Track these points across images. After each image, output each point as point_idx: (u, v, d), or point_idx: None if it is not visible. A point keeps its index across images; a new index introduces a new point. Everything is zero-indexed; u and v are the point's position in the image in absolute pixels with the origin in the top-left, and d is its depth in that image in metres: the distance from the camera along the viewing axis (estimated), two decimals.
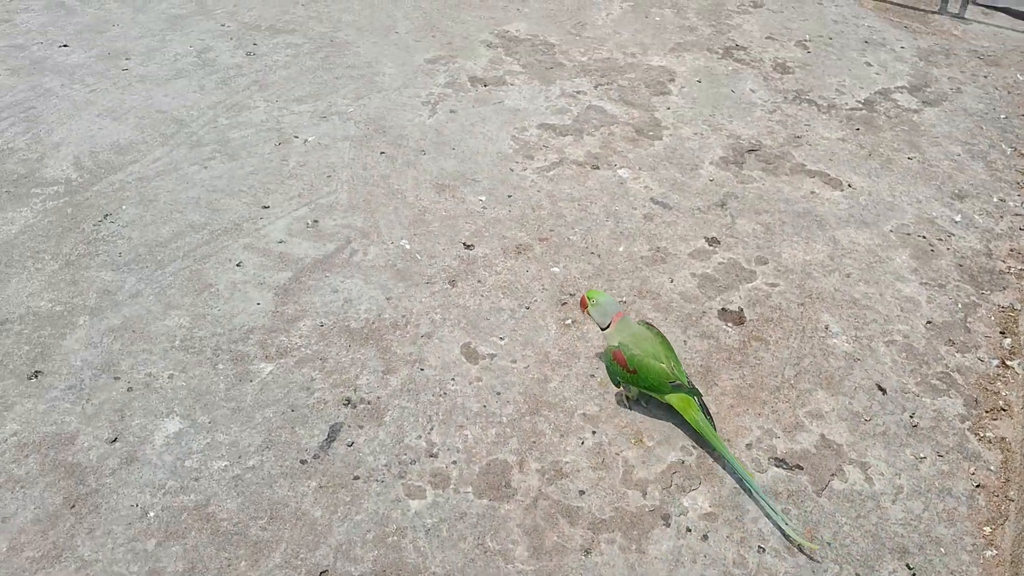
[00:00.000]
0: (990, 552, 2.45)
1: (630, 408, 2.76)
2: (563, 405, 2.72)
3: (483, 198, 3.54)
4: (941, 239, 3.64)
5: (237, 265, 3.09)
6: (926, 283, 3.39)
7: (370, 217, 3.37)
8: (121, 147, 3.60)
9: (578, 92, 4.31)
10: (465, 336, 2.92)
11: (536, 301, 3.10)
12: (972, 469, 2.69)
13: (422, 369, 2.78)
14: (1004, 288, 3.43)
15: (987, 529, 2.52)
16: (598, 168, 3.79)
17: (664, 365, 2.62)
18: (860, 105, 4.53)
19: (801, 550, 2.42)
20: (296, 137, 3.75)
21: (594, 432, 2.65)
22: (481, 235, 3.35)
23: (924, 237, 3.64)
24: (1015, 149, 4.33)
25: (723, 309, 3.16)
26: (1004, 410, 2.91)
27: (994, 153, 4.28)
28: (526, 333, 2.96)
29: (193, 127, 3.73)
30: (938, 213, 3.80)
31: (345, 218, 3.35)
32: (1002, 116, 4.62)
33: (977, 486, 2.64)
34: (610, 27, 4.95)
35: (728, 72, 4.65)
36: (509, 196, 3.57)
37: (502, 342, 2.92)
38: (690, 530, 2.42)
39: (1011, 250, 3.64)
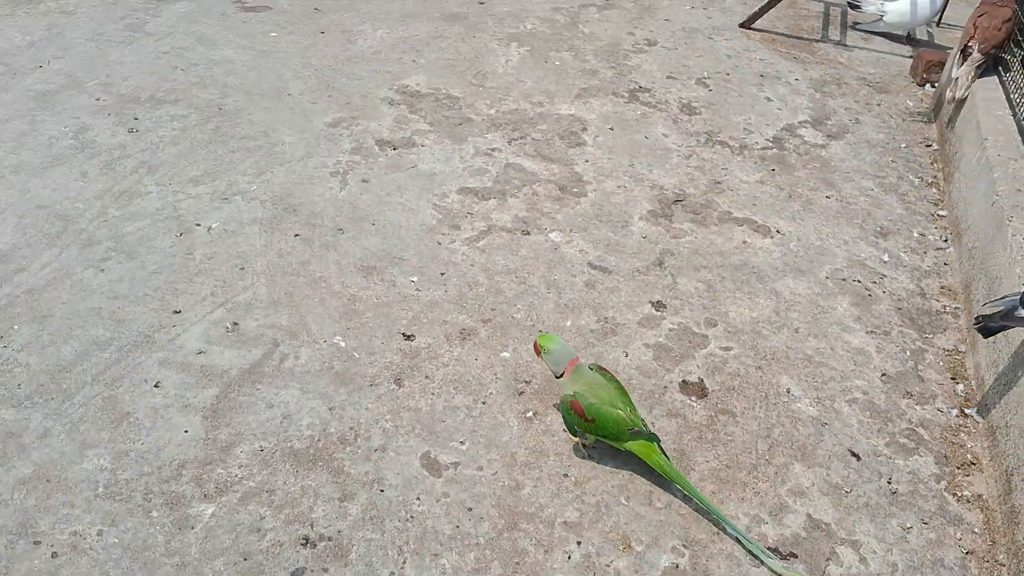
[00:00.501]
0: None
1: (587, 457, 2.67)
2: (541, 515, 2.50)
3: (415, 279, 3.29)
4: (875, 282, 3.62)
5: (155, 386, 2.73)
6: (871, 331, 3.36)
7: (295, 313, 3.06)
8: (2, 254, 3.16)
9: (493, 149, 4.11)
10: (423, 444, 2.66)
11: (491, 394, 2.87)
12: (958, 534, 2.63)
13: (382, 490, 2.51)
14: (944, 330, 3.43)
15: None
16: (528, 233, 3.60)
17: (622, 412, 2.57)
18: (770, 143, 4.52)
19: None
20: (198, 225, 3.39)
21: (579, 543, 2.45)
22: (420, 322, 3.10)
23: (859, 281, 3.61)
24: (922, 179, 4.40)
25: (684, 381, 3.02)
26: (974, 464, 2.87)
27: (904, 185, 4.34)
28: (487, 433, 2.73)
29: (81, 223, 3.32)
30: (866, 254, 3.79)
31: (268, 317, 3.03)
32: (903, 145, 4.70)
33: (967, 552, 2.58)
34: (511, 75, 4.78)
35: (637, 117, 4.55)
36: (442, 274, 3.33)
37: (463, 447, 2.68)
38: None
39: (942, 288, 3.66)
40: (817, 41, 5.83)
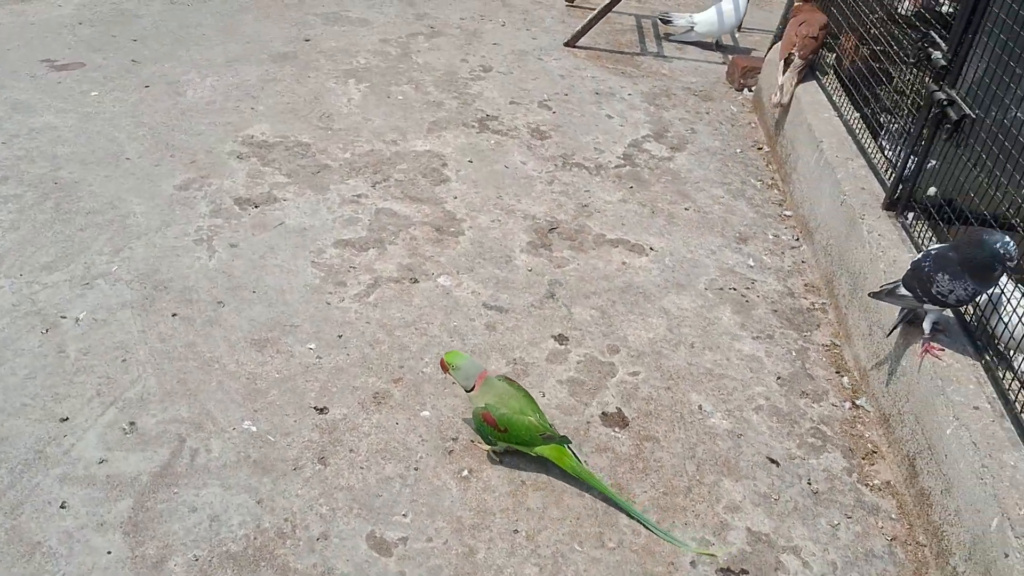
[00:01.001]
0: None
1: (501, 462, 2.78)
2: None
3: (312, 346, 3.14)
4: (748, 287, 3.81)
5: (61, 507, 2.45)
6: (757, 337, 3.53)
7: (194, 402, 2.85)
8: None
9: (358, 195, 3.99)
10: (364, 524, 2.55)
11: (421, 458, 2.78)
12: (879, 523, 2.81)
13: None
14: (818, 326, 3.65)
15: None
16: (417, 281, 3.53)
17: (533, 419, 2.68)
18: (622, 161, 4.66)
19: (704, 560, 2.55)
20: (63, 317, 3.08)
21: None
22: (329, 392, 2.96)
23: (734, 289, 3.79)
24: (762, 182, 4.68)
25: (603, 413, 3.06)
26: (875, 452, 3.08)
27: (749, 189, 4.59)
28: (427, 501, 2.65)
29: None
30: (733, 261, 3.98)
31: (166, 411, 2.80)
32: (738, 151, 4.98)
33: (891, 539, 2.76)
34: (357, 114, 4.66)
35: (492, 146, 4.56)
36: (339, 336, 3.20)
37: (407, 519, 2.58)
38: None
39: (805, 285, 3.90)
40: (638, 55, 6.06)
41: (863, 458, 3.05)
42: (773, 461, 2.98)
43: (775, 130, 4.99)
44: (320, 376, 3.02)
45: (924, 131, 3.48)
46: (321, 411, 2.89)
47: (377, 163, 4.26)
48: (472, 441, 2.85)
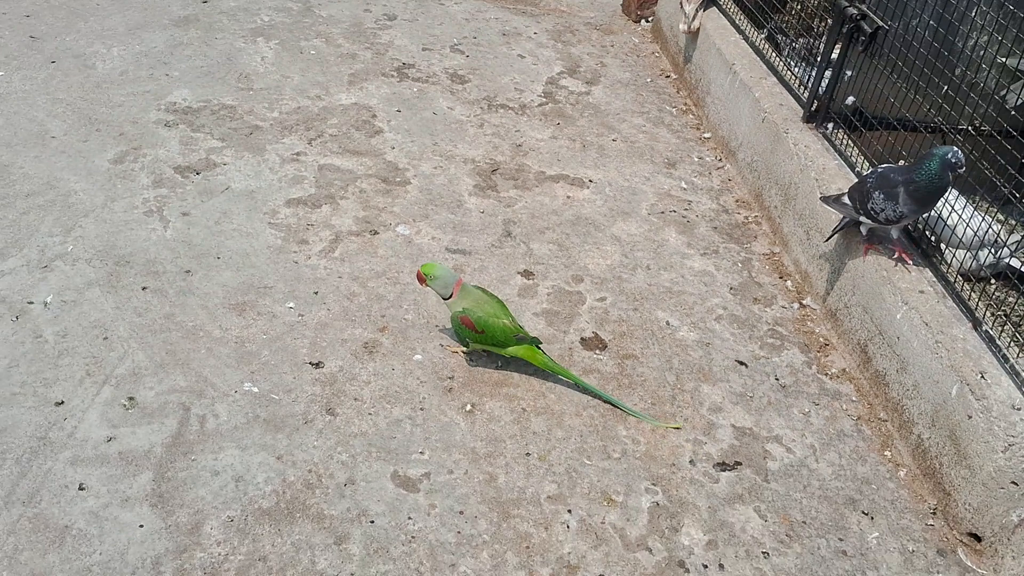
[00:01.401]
0: (902, 472, 2.86)
1: (470, 360, 3.02)
2: (525, 497, 2.60)
3: (291, 304, 3.16)
4: (686, 208, 4.02)
5: (80, 489, 2.44)
6: (705, 253, 3.75)
7: (189, 370, 2.84)
8: None
9: (297, 154, 3.97)
10: (386, 465, 2.64)
11: (424, 398, 2.88)
12: (843, 406, 3.10)
13: (372, 521, 2.47)
14: (755, 237, 3.91)
15: (887, 453, 2.93)
16: (377, 232, 3.57)
17: (507, 322, 2.91)
18: (543, 99, 4.77)
19: (664, 432, 2.86)
20: (30, 303, 2.99)
21: (569, 511, 2.59)
22: (319, 347, 3.01)
23: (675, 211, 4.00)
24: (677, 108, 4.89)
25: (582, 339, 3.22)
26: (827, 344, 3.36)
27: (666, 116, 4.79)
28: (440, 437, 2.76)
29: None
30: (668, 185, 4.18)
31: (162, 382, 2.79)
32: (648, 80, 5.17)
33: (856, 419, 3.05)
34: (275, 72, 4.59)
35: (416, 94, 4.59)
36: (315, 293, 3.23)
37: (424, 456, 2.69)
38: (706, 566, 2.49)
39: (736, 201, 4.14)
40: None
41: (818, 351, 3.32)
42: (742, 363, 3.21)
43: (681, 58, 5.20)
44: (307, 333, 3.05)
45: (836, 46, 3.73)
46: (317, 365, 2.93)
47: (307, 120, 4.24)
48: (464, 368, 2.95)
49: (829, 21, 4.07)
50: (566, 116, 4.64)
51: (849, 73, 3.75)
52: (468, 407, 2.87)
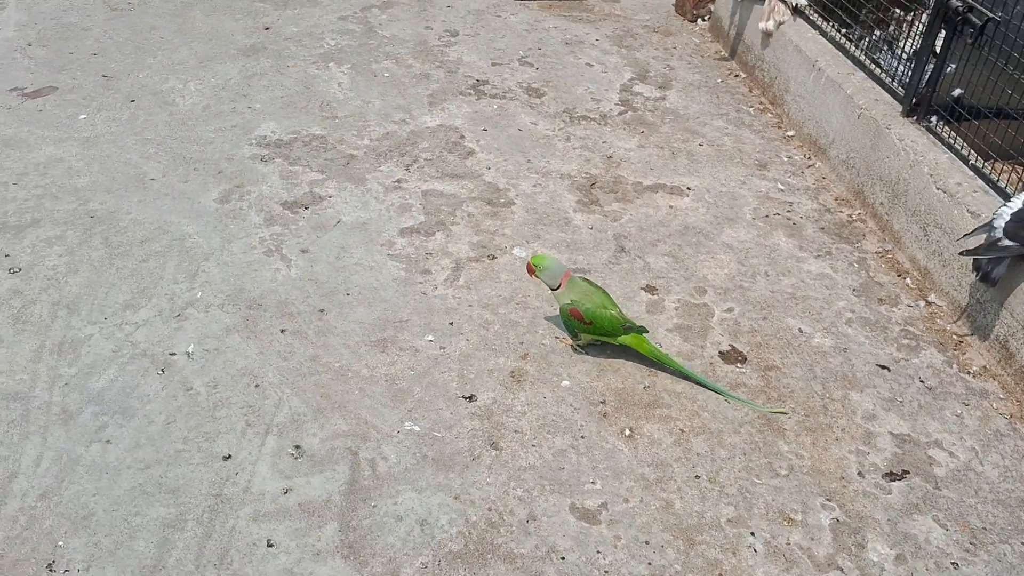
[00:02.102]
0: None
1: (586, 352, 3.10)
2: (705, 521, 2.58)
3: (430, 338, 3.13)
4: (789, 210, 4.00)
5: (269, 546, 2.41)
6: (819, 255, 3.73)
7: (348, 413, 2.82)
8: None
9: (398, 181, 3.95)
10: (562, 498, 2.61)
11: (582, 425, 2.86)
12: (993, 405, 3.07)
13: (563, 558, 2.45)
14: (863, 235, 3.89)
15: None
16: (495, 257, 3.55)
17: (615, 312, 2.98)
18: (622, 107, 4.74)
19: (773, 415, 2.91)
20: (172, 354, 2.96)
21: (752, 533, 2.56)
22: (468, 379, 2.98)
23: (779, 214, 3.97)
24: (753, 108, 4.86)
25: (721, 353, 3.19)
26: (962, 342, 3.34)
27: (746, 117, 4.77)
28: (607, 464, 2.73)
29: (40, 396, 2.76)
30: (765, 188, 4.16)
31: (323, 428, 2.76)
32: (718, 81, 5.14)
33: (1009, 417, 3.03)
34: (355, 98, 4.56)
35: (497, 112, 4.56)
36: (451, 324, 3.20)
37: (597, 486, 2.66)
38: None
39: (835, 199, 4.12)
40: None
41: (954, 349, 3.30)
42: (883, 367, 3.19)
43: (750, 56, 5.16)
44: (452, 366, 3.02)
45: (940, 38, 3.70)
46: (470, 399, 2.91)
47: (399, 145, 4.20)
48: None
49: (924, 15, 4.04)
50: (648, 123, 4.61)
51: (952, 66, 3.73)
52: (627, 432, 2.85)
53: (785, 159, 4.41)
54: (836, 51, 4.51)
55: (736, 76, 5.20)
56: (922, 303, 3.51)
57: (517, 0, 5.94)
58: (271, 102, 4.45)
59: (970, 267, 3.33)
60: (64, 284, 3.20)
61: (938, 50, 3.72)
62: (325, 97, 4.54)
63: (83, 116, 4.20)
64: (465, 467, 2.68)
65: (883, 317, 3.42)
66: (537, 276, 3.04)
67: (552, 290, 3.06)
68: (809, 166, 4.37)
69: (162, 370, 2.89)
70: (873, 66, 4.27)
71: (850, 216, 4.01)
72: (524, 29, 5.53)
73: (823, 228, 3.91)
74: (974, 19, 3.51)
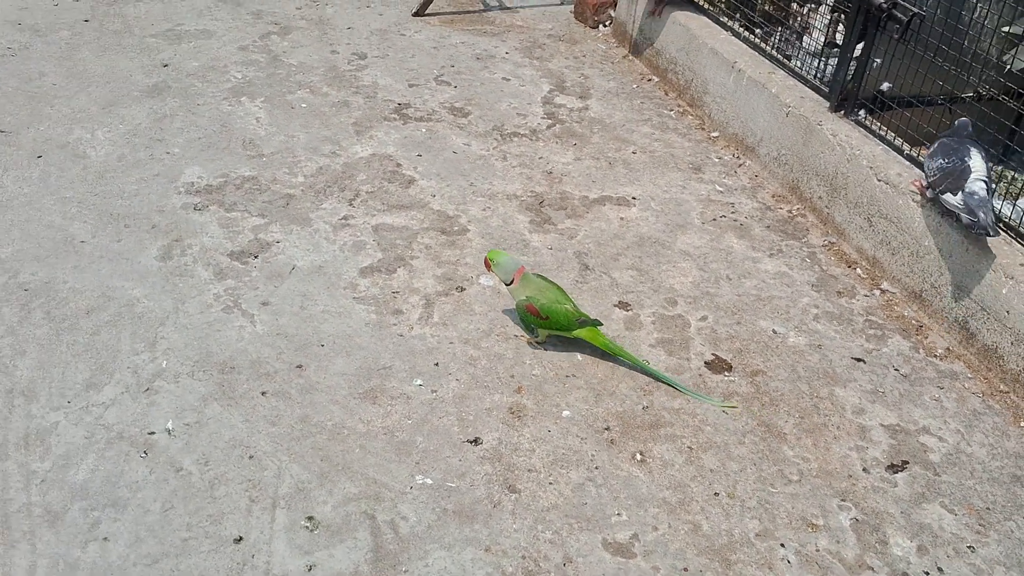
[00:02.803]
0: None
1: (544, 349, 3.19)
2: (735, 539, 2.60)
3: (419, 382, 3.03)
4: (733, 211, 4.08)
5: None
6: (772, 254, 3.81)
7: (354, 475, 2.68)
8: None
9: (345, 218, 3.80)
10: (593, 535, 2.57)
11: (593, 456, 2.82)
12: (964, 384, 3.22)
13: None
14: (807, 230, 4.01)
15: (1023, 424, 3.06)
16: (464, 288, 3.46)
17: (569, 307, 3.08)
18: (549, 120, 4.72)
19: (724, 411, 3.01)
20: (151, 434, 2.75)
21: (782, 545, 2.60)
22: (467, 422, 2.90)
23: (724, 216, 4.04)
24: (673, 111, 4.94)
25: (706, 363, 3.22)
26: (922, 327, 3.48)
27: (669, 121, 4.84)
28: (628, 493, 2.71)
29: (17, 497, 2.50)
30: (705, 190, 4.22)
31: (332, 493, 2.62)
32: (633, 86, 5.20)
33: (982, 396, 3.17)
34: (277, 134, 4.36)
35: (426, 136, 4.46)
36: (437, 365, 3.11)
37: (623, 517, 2.64)
38: (928, 573, 2.55)
39: (773, 196, 4.23)
40: (484, 11, 6.06)
41: (917, 334, 3.44)
42: (858, 360, 3.28)
43: (660, 60, 5.23)
44: (448, 409, 2.93)
45: (862, 34, 3.84)
46: (475, 442, 2.82)
47: (335, 179, 4.05)
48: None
49: (820, 8, 4.19)
50: (578, 135, 4.60)
51: (878, 60, 3.87)
52: (638, 456, 2.83)
53: (716, 160, 4.49)
54: (752, 51, 4.62)
55: (649, 80, 5.27)
56: (877, 292, 3.63)
57: (417, 17, 5.83)
58: (189, 145, 4.20)
59: (918, 253, 3.47)
60: (13, 369, 2.92)
61: (857, 46, 3.86)
62: (245, 135, 4.32)
63: None
64: (488, 516, 2.59)
65: (845, 310, 3.52)
66: (492, 271, 3.18)
67: (507, 285, 3.16)
68: (740, 165, 4.46)
69: (145, 452, 2.68)
70: (793, 64, 4.39)
71: (790, 212, 4.11)
72: (432, 47, 5.43)
73: (768, 226, 3.99)
74: (899, 15, 3.65)
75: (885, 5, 3.67)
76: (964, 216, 3.14)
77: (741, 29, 4.74)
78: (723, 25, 4.87)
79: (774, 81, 4.35)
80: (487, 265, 3.19)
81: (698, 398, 3.04)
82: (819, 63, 4.21)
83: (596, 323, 3.13)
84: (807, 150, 4.07)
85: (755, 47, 4.62)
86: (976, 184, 3.13)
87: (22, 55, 4.95)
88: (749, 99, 4.45)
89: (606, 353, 3.15)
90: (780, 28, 4.67)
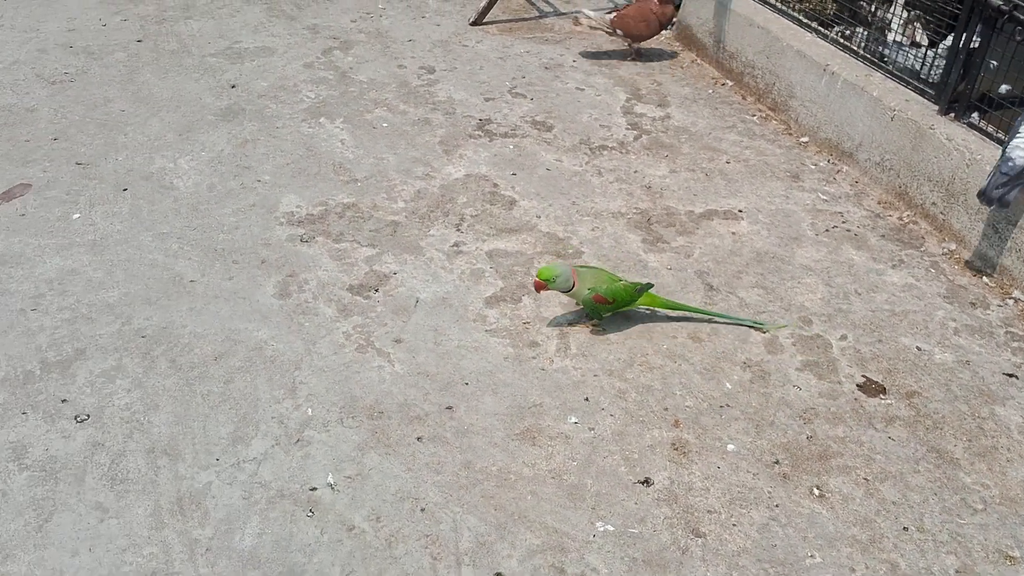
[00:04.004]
0: None
1: (604, 330, 3.24)
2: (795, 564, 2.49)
3: (574, 420, 2.91)
4: (844, 221, 3.97)
5: None
6: (894, 265, 3.71)
7: (531, 523, 2.56)
8: None
9: (456, 245, 3.67)
10: None
11: (769, 492, 2.71)
12: None
13: None
14: (922, 238, 3.91)
15: None
16: (593, 317, 3.34)
17: (623, 282, 3.14)
18: (635, 131, 4.60)
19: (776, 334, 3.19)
20: (313, 490, 2.60)
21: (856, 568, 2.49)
22: (633, 460, 2.78)
23: (836, 226, 3.94)
24: (754, 116, 4.83)
25: (859, 386, 3.12)
26: None
27: (754, 127, 4.73)
28: (815, 532, 2.60)
29: (182, 575, 2.36)
30: (809, 199, 4.12)
31: (515, 546, 2.49)
32: (709, 91, 5.08)
33: None
34: (365, 155, 4.22)
35: (515, 153, 4.34)
36: (586, 400, 2.99)
37: (817, 559, 2.53)
38: None
39: (879, 203, 4.13)
40: (540, 18, 5.93)
41: None
42: (1010, 375, 3.19)
43: (736, 63, 5.12)
44: (611, 448, 2.81)
45: (977, 37, 3.73)
46: (646, 483, 2.71)
47: (437, 203, 3.91)
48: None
49: (951, 15, 4.08)
50: (667, 146, 4.49)
51: (994, 63, 3.77)
52: (815, 491, 2.72)
53: (812, 167, 4.38)
54: (843, 53, 4.51)
55: (723, 85, 5.15)
56: (1010, 301, 3.54)
57: (475, 27, 5.69)
58: (279, 171, 4.05)
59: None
60: (149, 425, 2.77)
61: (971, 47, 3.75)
62: (333, 158, 4.18)
63: (76, 215, 3.69)
64: (680, 564, 2.47)
65: (983, 322, 3.42)
66: (552, 288, 3.06)
67: (566, 292, 3.10)
68: (838, 171, 4.35)
69: (311, 511, 2.54)
70: (891, 67, 4.29)
71: (901, 219, 4.01)
72: (498, 57, 5.29)
73: (883, 236, 3.89)
74: (1021, 16, 3.54)
75: (1005, 8, 3.57)
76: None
77: (818, 27, 4.63)
78: (807, 26, 4.76)
79: (872, 84, 4.24)
80: (540, 288, 3.07)
81: (752, 324, 3.27)
82: (915, 63, 4.10)
83: (648, 285, 3.20)
84: (916, 155, 3.97)
85: (846, 48, 4.51)
86: (1016, 150, 3.15)
87: (82, 80, 4.78)
88: (845, 103, 4.34)
89: (668, 309, 3.28)
90: (863, 29, 4.56)
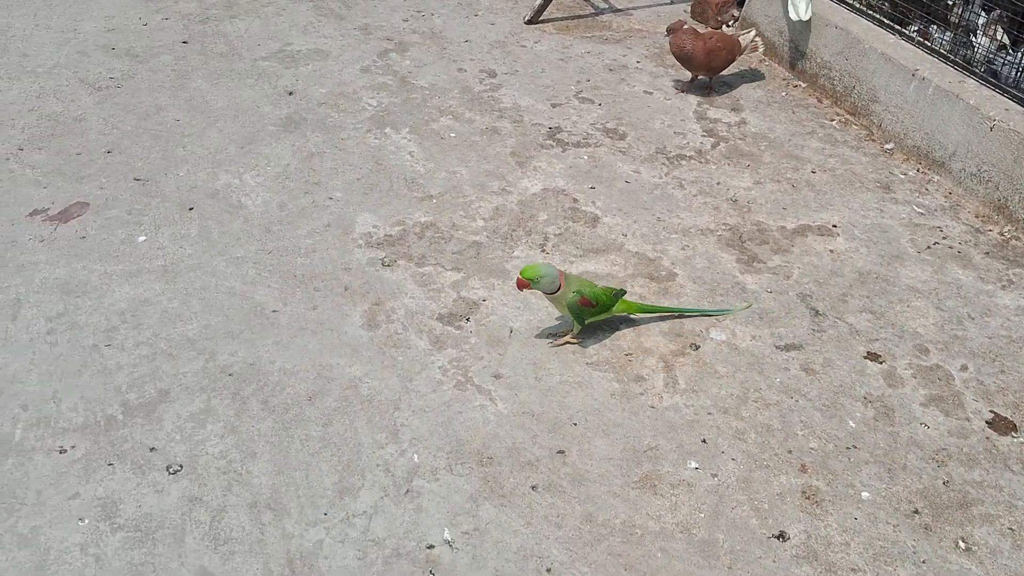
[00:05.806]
0: None
1: (582, 341, 3.11)
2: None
3: (695, 465, 2.73)
4: (945, 237, 3.79)
5: None
6: (1004, 286, 3.55)
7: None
8: None
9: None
10: None
11: (914, 547, 2.55)
12: None
13: None
14: None
15: None
16: (697, 346, 3.17)
17: (600, 287, 3.05)
18: (711, 138, 4.41)
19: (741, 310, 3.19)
20: (431, 548, 2.44)
21: None
22: (763, 511, 2.60)
23: (937, 243, 3.76)
24: (833, 121, 4.63)
25: (988, 423, 2.94)
26: None
27: (835, 133, 4.52)
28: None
29: None
30: (904, 213, 3.93)
31: None
32: (782, 94, 4.88)
33: None
34: (437, 169, 4.03)
35: (590, 164, 4.14)
36: (704, 442, 2.82)
37: None
38: None
39: (977, 216, 3.94)
40: (596, 15, 5.72)
41: None
42: None
43: (809, 64, 4.91)
44: (738, 497, 2.63)
45: None
46: (781, 537, 2.53)
47: (517, 221, 3.73)
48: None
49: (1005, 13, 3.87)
50: (747, 154, 4.29)
51: None
52: (961, 544, 2.54)
53: (901, 176, 4.19)
54: (931, 57, 4.30)
55: (796, 87, 4.95)
56: None
57: (531, 25, 5.47)
58: (350, 188, 3.86)
59: None
60: (248, 476, 2.60)
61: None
62: (404, 173, 3.98)
63: (142, 238, 3.50)
64: None
65: None
66: (535, 288, 2.94)
67: (551, 294, 2.97)
68: (929, 181, 4.16)
69: (431, 573, 2.37)
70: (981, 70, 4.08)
71: (1002, 234, 3.82)
72: (559, 59, 5.09)
73: (988, 253, 3.70)
74: None
75: None
76: None
77: (902, 32, 4.42)
78: (890, 28, 4.54)
79: (967, 91, 4.04)
80: (523, 286, 2.93)
81: (722, 313, 3.24)
82: (1010, 71, 3.90)
83: (622, 292, 3.12)
84: (1019, 167, 3.77)
85: (934, 52, 4.30)
86: None
87: (129, 86, 4.58)
88: (936, 110, 4.14)
89: (642, 314, 3.22)
90: (949, 32, 4.35)
